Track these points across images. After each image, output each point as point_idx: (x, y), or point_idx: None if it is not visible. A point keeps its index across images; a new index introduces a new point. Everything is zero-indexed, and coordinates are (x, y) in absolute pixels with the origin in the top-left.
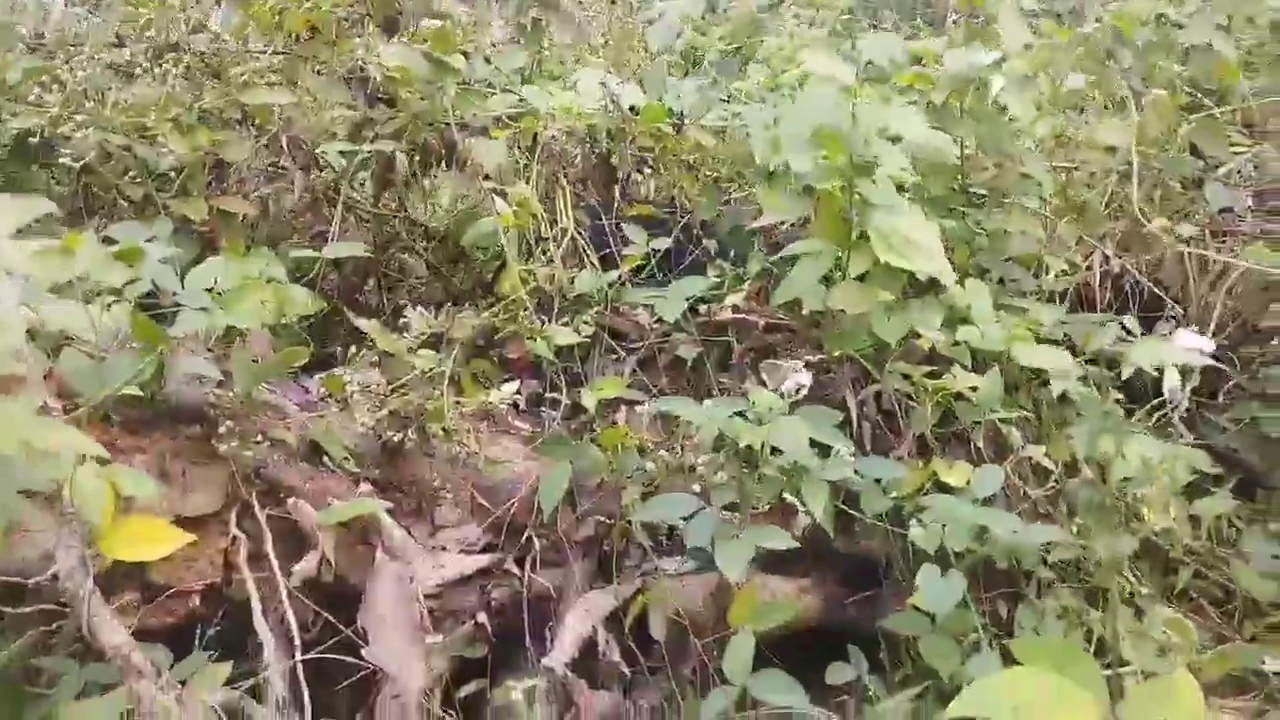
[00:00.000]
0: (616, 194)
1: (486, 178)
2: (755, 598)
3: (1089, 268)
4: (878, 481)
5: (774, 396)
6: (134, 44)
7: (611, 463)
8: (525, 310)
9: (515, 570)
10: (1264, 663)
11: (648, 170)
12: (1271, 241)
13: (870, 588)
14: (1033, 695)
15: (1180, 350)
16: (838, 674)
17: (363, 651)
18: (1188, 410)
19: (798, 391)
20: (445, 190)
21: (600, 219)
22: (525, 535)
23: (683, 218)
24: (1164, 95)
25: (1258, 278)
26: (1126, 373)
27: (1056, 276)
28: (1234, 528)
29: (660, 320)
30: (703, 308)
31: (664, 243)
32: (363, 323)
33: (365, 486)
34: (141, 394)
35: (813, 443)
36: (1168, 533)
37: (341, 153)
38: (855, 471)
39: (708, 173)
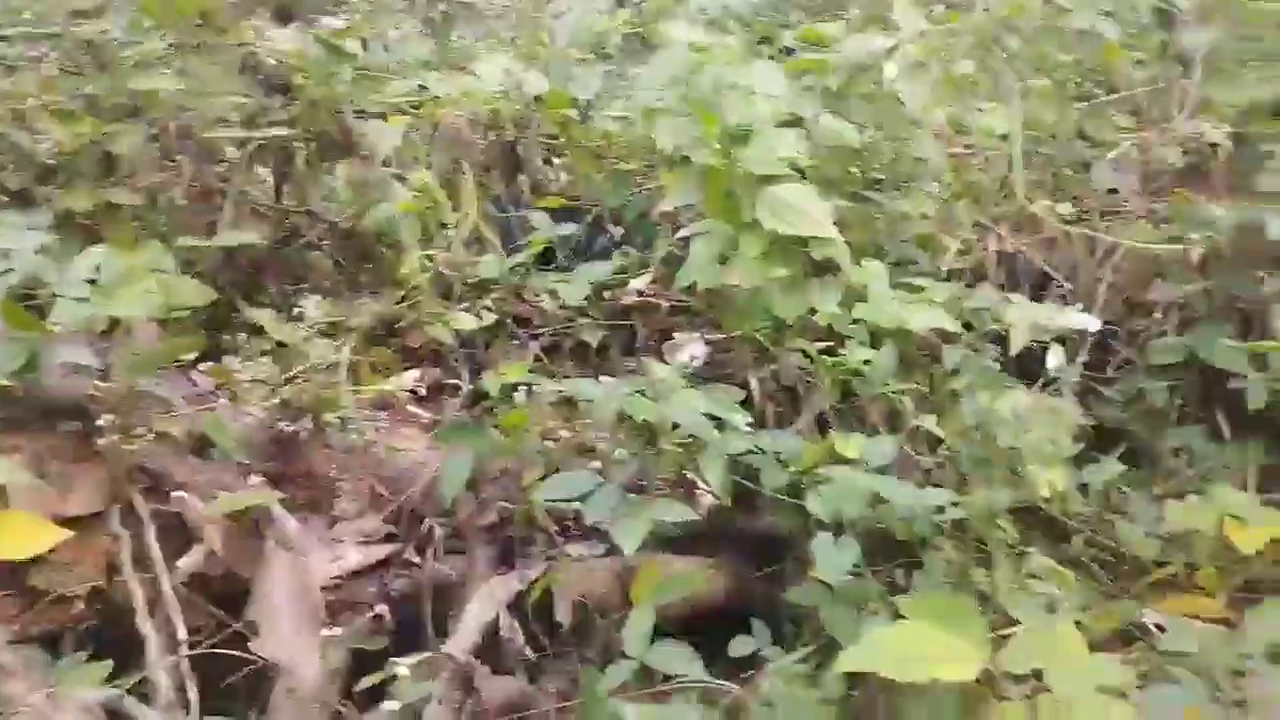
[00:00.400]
0: (526, 183)
1: (385, 164)
2: (657, 574)
3: (984, 249)
4: (779, 457)
5: (669, 369)
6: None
7: (513, 446)
8: (425, 296)
9: (416, 560)
10: (1142, 615)
11: (557, 160)
12: (1154, 221)
13: (777, 563)
14: (918, 648)
15: (1053, 314)
16: (740, 647)
17: (251, 645)
18: (1079, 386)
19: (691, 361)
20: (340, 177)
21: (510, 209)
22: (426, 524)
23: (595, 206)
24: (1048, 84)
25: (1142, 255)
26: (1016, 344)
27: (954, 257)
28: (1124, 494)
29: (565, 306)
30: (610, 293)
31: (570, 229)
32: (255, 313)
33: (257, 479)
34: (13, 385)
35: (713, 419)
36: (1060, 496)
37: (236, 142)
38: (755, 446)
39: (614, 160)
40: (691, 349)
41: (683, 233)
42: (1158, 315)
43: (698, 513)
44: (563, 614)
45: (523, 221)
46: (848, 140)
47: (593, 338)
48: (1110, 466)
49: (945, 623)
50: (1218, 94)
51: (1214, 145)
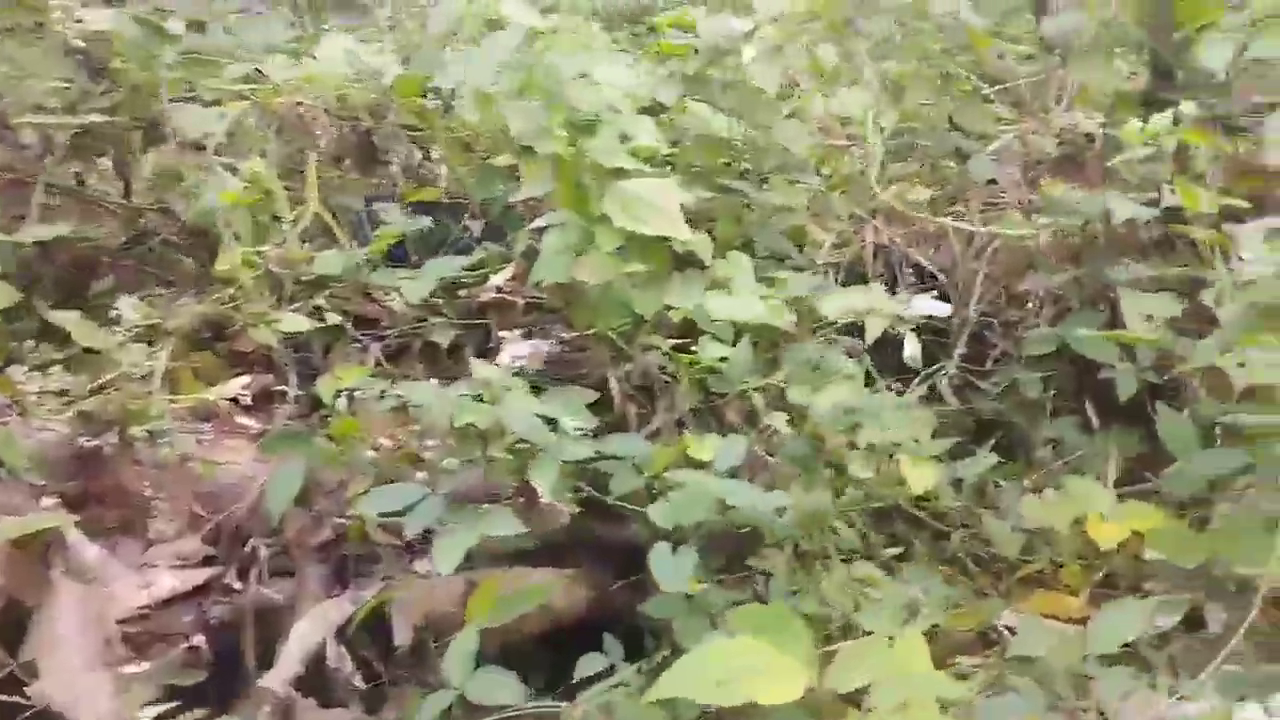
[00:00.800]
0: (397, 175)
1: (208, 151)
2: (494, 591)
3: (862, 242)
4: (632, 461)
5: (496, 371)
6: None
7: (342, 456)
8: (250, 296)
9: (238, 584)
10: (1000, 617)
11: (420, 152)
12: (1029, 211)
13: (638, 573)
14: (740, 667)
15: (904, 303)
16: (589, 665)
17: (29, 689)
18: (956, 379)
19: (515, 362)
20: (149, 164)
21: (372, 203)
22: (250, 543)
23: (465, 199)
24: (920, 71)
25: (1016, 246)
26: (870, 334)
27: (829, 251)
28: (1000, 487)
29: (416, 304)
30: (468, 291)
31: (423, 223)
32: (59, 315)
33: (50, 500)
34: None
35: (551, 423)
36: (932, 493)
37: (54, 129)
38: (599, 451)
39: (484, 153)
40: (515, 349)
41: (536, 224)
42: (1031, 306)
43: (553, 523)
44: (400, 637)
45: (373, 216)
46: (714, 128)
47: (444, 338)
48: (983, 460)
49: (773, 638)
50: (1087, 80)
51: (1088, 135)
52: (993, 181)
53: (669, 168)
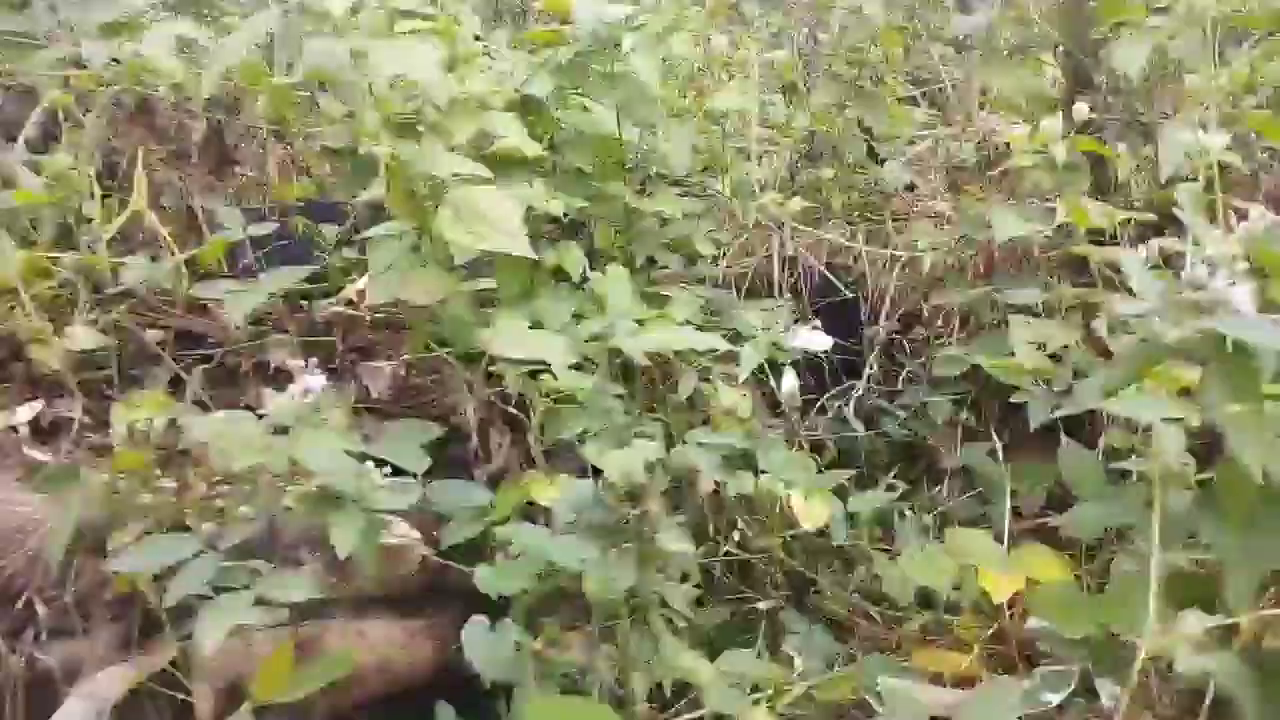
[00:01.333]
0: (269, 175)
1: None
2: (287, 659)
3: (768, 253)
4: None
5: (286, 402)
6: None
7: (119, 499)
8: (26, 309)
9: (4, 648)
10: (875, 683)
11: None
12: (942, 223)
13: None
14: None
15: (787, 334)
16: None
17: None
18: (866, 403)
19: (307, 395)
20: None
21: (228, 204)
22: (24, 599)
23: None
24: (783, 55)
25: (934, 260)
26: (744, 369)
27: (719, 261)
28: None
29: (257, 320)
30: (319, 304)
31: (265, 229)
32: None
33: None
34: None
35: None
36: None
37: None
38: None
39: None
40: (308, 381)
41: (365, 234)
42: (940, 324)
43: (404, 568)
44: (201, 708)
45: (211, 217)
46: (597, 127)
47: (280, 359)
48: (880, 495)
49: None
50: (997, 83)
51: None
52: (912, 188)
53: (547, 171)
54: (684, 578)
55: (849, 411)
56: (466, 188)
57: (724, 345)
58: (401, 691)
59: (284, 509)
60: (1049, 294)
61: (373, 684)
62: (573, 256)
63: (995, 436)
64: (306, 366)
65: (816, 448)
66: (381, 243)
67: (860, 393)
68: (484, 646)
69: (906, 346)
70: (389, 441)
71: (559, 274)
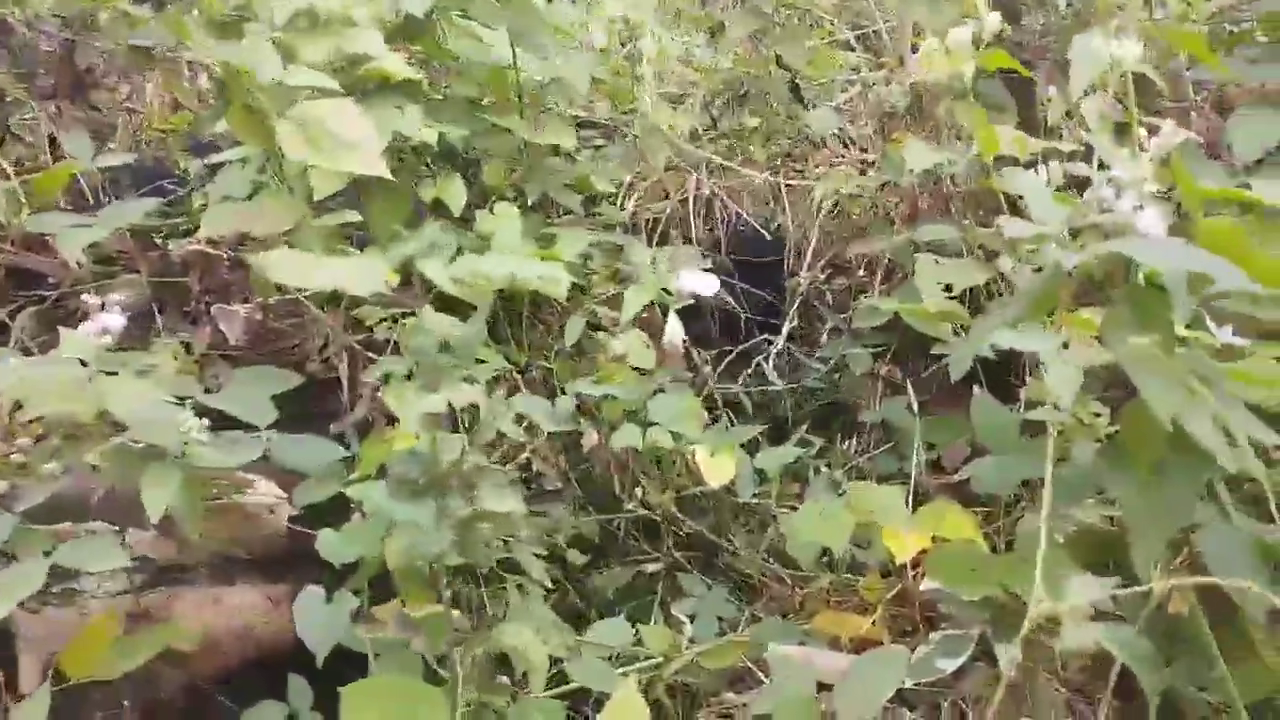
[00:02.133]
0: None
1: None
2: (106, 631)
3: (682, 197)
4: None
5: (80, 345)
6: None
7: None
8: None
9: None
10: (766, 650)
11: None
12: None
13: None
14: None
15: (675, 277)
16: (264, 715)
17: None
18: (789, 355)
19: (104, 337)
20: None
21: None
22: None
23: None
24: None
25: (853, 207)
26: (628, 311)
27: (625, 204)
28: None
29: (110, 257)
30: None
31: (120, 160)
32: None
33: None
34: None
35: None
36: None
37: None
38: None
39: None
40: (105, 320)
41: (212, 159)
42: (862, 273)
43: (268, 529)
44: (28, 683)
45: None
46: (485, 53)
47: (130, 300)
48: (788, 451)
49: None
50: (918, 19)
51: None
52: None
53: (427, 98)
54: (578, 541)
55: (767, 366)
56: (313, 102)
57: (565, 277)
58: (265, 661)
59: (90, 466)
60: (965, 234)
61: (231, 653)
62: (452, 189)
63: (914, 390)
64: (105, 306)
65: (732, 403)
66: (229, 170)
67: (779, 346)
68: (317, 618)
69: (829, 297)
70: (233, 391)
71: (440, 210)
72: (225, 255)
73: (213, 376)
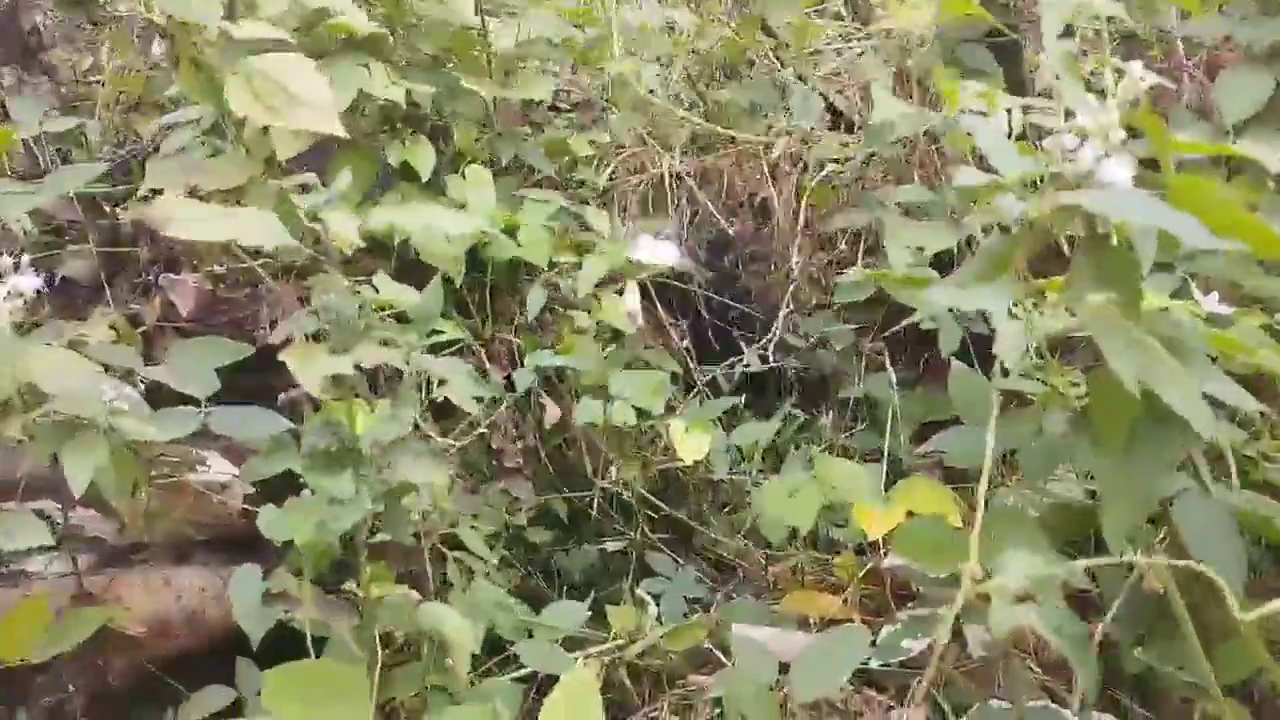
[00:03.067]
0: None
1: None
2: (33, 614)
3: (658, 171)
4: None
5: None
6: None
7: None
8: None
9: None
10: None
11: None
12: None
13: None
14: None
15: (637, 248)
16: (211, 700)
17: None
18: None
19: (17, 300)
20: None
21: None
22: None
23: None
24: None
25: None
26: (584, 285)
27: (600, 171)
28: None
29: (58, 227)
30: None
31: (62, 124)
32: None
33: None
34: None
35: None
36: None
37: None
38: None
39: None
40: (18, 282)
41: (164, 120)
42: (843, 247)
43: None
44: None
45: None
46: (448, 12)
47: (79, 271)
48: (762, 427)
49: (319, 709)
50: None
51: None
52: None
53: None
54: (542, 521)
55: (751, 349)
56: (262, 57)
57: (485, 228)
58: (217, 646)
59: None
60: (939, 196)
61: (182, 638)
62: (421, 152)
63: (893, 366)
64: (18, 266)
65: (711, 381)
66: (178, 130)
67: (775, 335)
68: (252, 598)
69: (813, 273)
70: (173, 361)
71: (408, 175)
72: None
73: (163, 350)
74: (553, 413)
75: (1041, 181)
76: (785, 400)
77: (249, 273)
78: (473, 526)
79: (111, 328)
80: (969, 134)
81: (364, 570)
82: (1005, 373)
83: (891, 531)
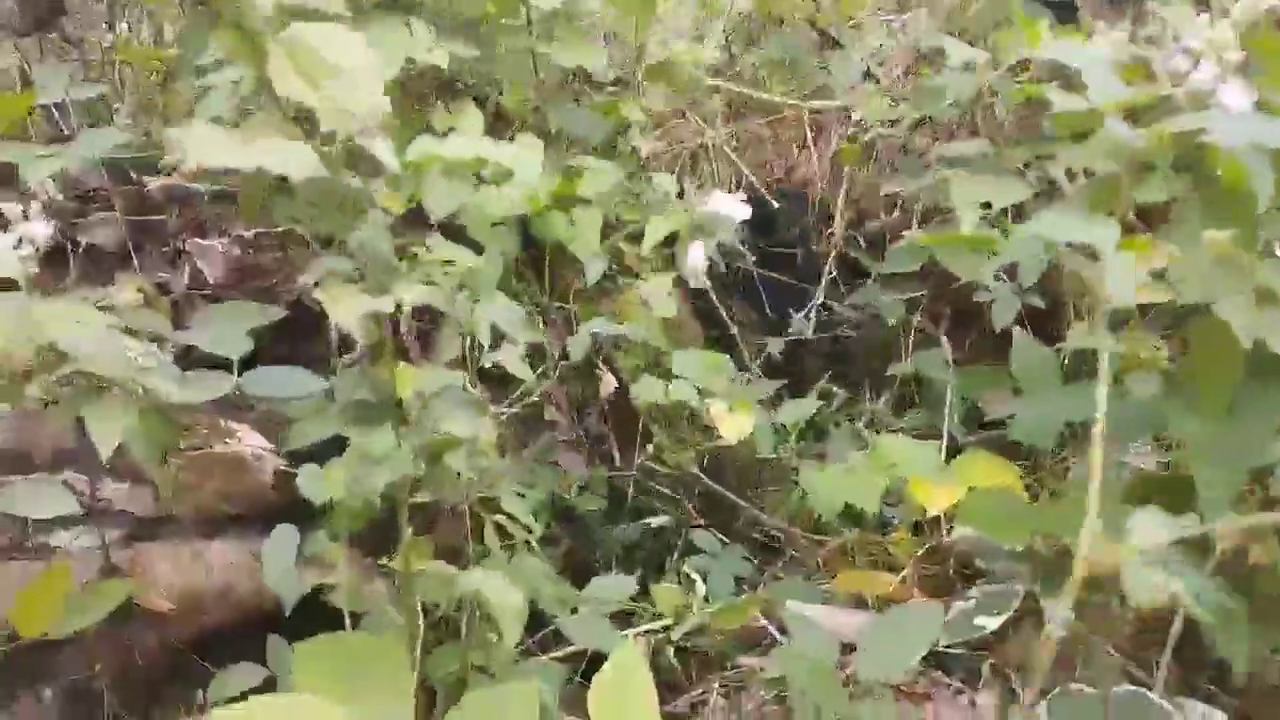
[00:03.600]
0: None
1: None
2: (54, 588)
3: (700, 140)
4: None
5: (7, 257)
6: None
7: None
8: None
9: None
10: (783, 608)
11: None
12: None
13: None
14: None
15: (699, 203)
16: (242, 678)
17: None
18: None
19: (30, 246)
20: None
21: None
22: None
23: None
24: None
25: (888, 146)
26: (648, 242)
27: (647, 135)
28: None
29: (85, 194)
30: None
31: (90, 91)
32: None
33: None
34: None
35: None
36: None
37: None
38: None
39: None
40: (28, 229)
41: (202, 81)
42: (893, 217)
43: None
44: None
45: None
46: None
47: (107, 238)
48: (805, 405)
49: (354, 685)
50: None
51: None
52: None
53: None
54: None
55: (798, 317)
56: (304, 25)
57: (536, 163)
58: (250, 623)
59: (40, 402)
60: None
61: (214, 613)
62: (468, 117)
63: (949, 340)
64: (27, 214)
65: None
66: (212, 96)
67: (818, 299)
68: (286, 564)
69: (861, 242)
70: (204, 325)
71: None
72: (204, 191)
73: (193, 317)
74: (607, 386)
75: (1143, 112)
76: (821, 377)
77: (281, 234)
78: (520, 494)
79: (139, 290)
80: (1062, 62)
81: (404, 530)
82: (1116, 324)
83: (952, 508)
